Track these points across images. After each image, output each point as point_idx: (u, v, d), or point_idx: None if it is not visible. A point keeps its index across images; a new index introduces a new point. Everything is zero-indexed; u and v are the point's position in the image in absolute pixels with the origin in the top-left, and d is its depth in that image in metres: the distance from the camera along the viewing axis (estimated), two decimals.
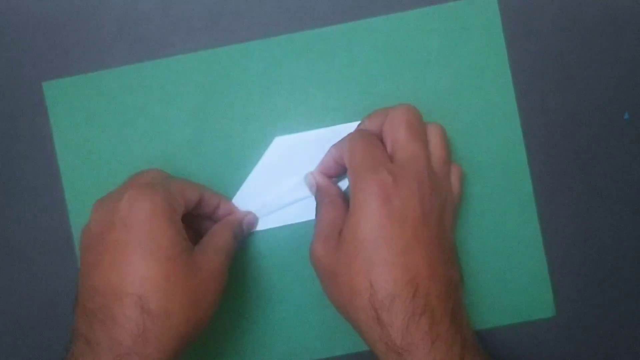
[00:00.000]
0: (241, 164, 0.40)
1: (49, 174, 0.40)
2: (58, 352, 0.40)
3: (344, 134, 0.38)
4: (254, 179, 0.39)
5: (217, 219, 0.38)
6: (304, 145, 0.39)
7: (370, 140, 0.34)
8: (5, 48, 0.40)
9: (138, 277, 0.30)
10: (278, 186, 0.39)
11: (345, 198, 0.37)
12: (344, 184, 0.39)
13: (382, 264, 0.31)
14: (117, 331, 0.29)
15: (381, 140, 0.35)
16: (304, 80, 0.40)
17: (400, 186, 0.32)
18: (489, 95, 0.40)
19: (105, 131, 0.40)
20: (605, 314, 0.40)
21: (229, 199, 0.39)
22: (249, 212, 0.39)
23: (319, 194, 0.37)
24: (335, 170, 0.38)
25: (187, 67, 0.40)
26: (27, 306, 0.40)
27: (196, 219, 0.38)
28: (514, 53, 0.40)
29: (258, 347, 0.40)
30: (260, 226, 0.39)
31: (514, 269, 0.39)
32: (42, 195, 0.40)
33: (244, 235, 0.38)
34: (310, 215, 0.39)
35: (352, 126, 0.39)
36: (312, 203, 0.38)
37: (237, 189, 0.39)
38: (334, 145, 0.37)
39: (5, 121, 0.40)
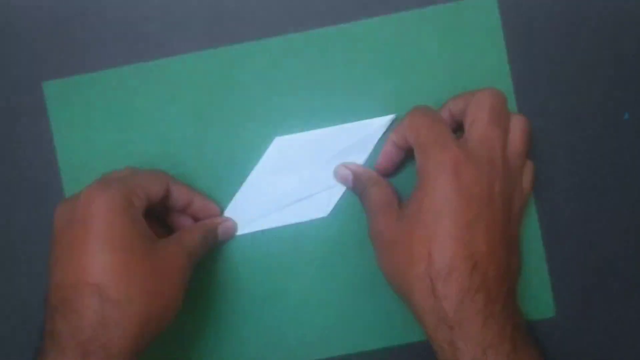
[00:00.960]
0: (241, 164, 0.40)
1: (49, 174, 0.40)
2: None
3: (345, 134, 0.38)
4: (254, 179, 0.39)
5: (193, 216, 0.38)
6: (304, 145, 0.39)
7: (433, 115, 0.35)
8: (5, 48, 0.40)
9: (96, 267, 0.30)
10: (278, 186, 0.39)
11: (389, 183, 0.37)
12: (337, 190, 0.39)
13: (443, 235, 0.31)
14: (77, 320, 0.29)
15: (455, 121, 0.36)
16: (304, 80, 0.40)
17: (471, 164, 0.32)
18: None
19: (105, 131, 0.40)
20: (605, 314, 0.40)
21: (229, 199, 0.39)
22: (228, 219, 0.39)
23: (360, 180, 0.37)
24: (397, 155, 0.38)
25: (187, 67, 0.40)
26: (27, 306, 0.40)
27: (172, 214, 0.38)
28: (514, 53, 0.40)
29: (258, 347, 0.40)
30: (261, 226, 0.39)
31: None
32: (42, 195, 0.40)
33: (216, 241, 0.38)
34: (311, 215, 0.39)
35: (352, 126, 0.39)
36: (312, 203, 0.38)
37: (237, 189, 0.39)
38: (395, 130, 0.37)
39: (5, 121, 0.40)
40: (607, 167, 0.40)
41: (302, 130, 0.40)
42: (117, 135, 0.40)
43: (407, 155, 0.38)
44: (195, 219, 0.38)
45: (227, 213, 0.39)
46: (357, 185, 0.37)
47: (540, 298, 0.39)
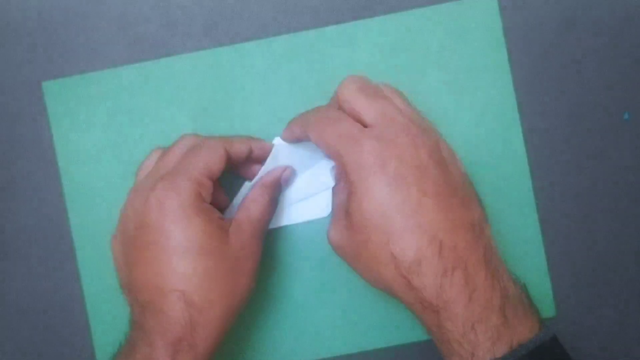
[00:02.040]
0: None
1: (49, 174, 0.40)
2: (58, 352, 0.40)
3: None
4: (253, 181, 0.39)
5: (255, 160, 0.37)
6: (304, 146, 0.39)
7: (331, 115, 0.34)
8: (5, 48, 0.40)
9: (179, 274, 0.31)
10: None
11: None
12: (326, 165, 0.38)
13: (397, 232, 0.30)
14: (168, 321, 0.31)
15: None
16: (304, 80, 0.40)
17: (389, 146, 0.31)
18: (489, 95, 0.40)
19: (105, 131, 0.40)
20: (605, 314, 0.40)
21: (229, 200, 0.39)
22: (286, 167, 0.37)
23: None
24: (298, 140, 0.37)
25: (187, 67, 0.40)
26: (27, 306, 0.40)
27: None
28: (514, 53, 0.40)
29: (259, 347, 0.40)
30: None
31: (514, 269, 0.39)
32: (42, 195, 0.40)
33: (281, 192, 0.38)
34: (311, 215, 0.39)
35: None
36: (312, 203, 0.38)
37: (237, 190, 0.39)
38: (295, 123, 0.36)
39: (5, 121, 0.40)
40: (607, 167, 0.40)
41: None
42: (117, 135, 0.40)
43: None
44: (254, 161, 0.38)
45: (227, 214, 0.39)
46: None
47: (540, 298, 0.39)
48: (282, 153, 0.39)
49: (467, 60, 0.40)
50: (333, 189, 0.37)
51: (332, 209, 0.36)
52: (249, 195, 0.35)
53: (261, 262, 0.39)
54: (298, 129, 0.36)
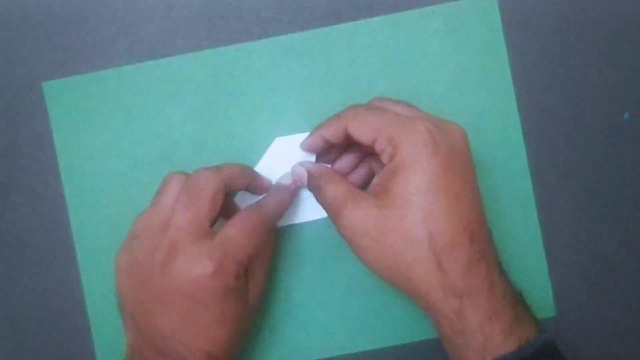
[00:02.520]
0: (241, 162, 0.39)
1: (49, 174, 0.40)
2: (58, 352, 0.40)
3: None
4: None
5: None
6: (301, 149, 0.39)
7: (379, 109, 0.34)
8: (5, 48, 0.40)
9: (209, 339, 0.33)
10: None
11: (341, 175, 0.37)
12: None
13: (439, 212, 0.31)
14: None
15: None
16: (304, 80, 0.40)
17: (442, 132, 0.32)
18: (489, 95, 0.40)
19: (105, 131, 0.40)
20: (605, 314, 0.40)
21: (239, 208, 0.39)
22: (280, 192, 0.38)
23: (313, 178, 0.36)
24: (322, 148, 0.37)
25: (187, 67, 0.40)
26: (27, 306, 0.40)
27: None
28: (514, 53, 0.40)
29: (259, 347, 0.40)
30: None
31: (514, 269, 0.39)
32: (42, 195, 0.40)
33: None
34: (311, 215, 0.39)
35: None
36: (312, 203, 0.38)
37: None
38: (326, 126, 0.36)
39: (5, 121, 0.40)
40: (607, 167, 0.40)
41: (302, 130, 0.39)
42: (117, 135, 0.40)
43: (329, 149, 0.37)
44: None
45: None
46: (311, 184, 0.37)
47: (540, 298, 0.39)
48: (281, 151, 0.39)
49: (467, 60, 0.40)
50: (320, 183, 0.36)
51: (336, 194, 0.35)
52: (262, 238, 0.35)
53: None
54: (333, 125, 0.35)
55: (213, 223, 0.34)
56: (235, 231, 0.33)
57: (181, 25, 0.40)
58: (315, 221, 0.39)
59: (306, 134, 0.39)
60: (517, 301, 0.32)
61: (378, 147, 0.33)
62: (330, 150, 0.38)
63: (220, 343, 0.33)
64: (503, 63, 0.40)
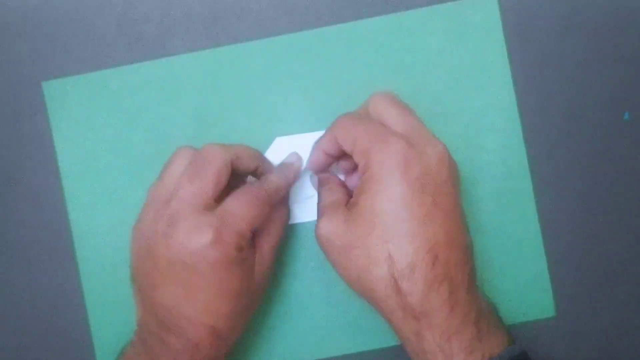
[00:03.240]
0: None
1: (49, 174, 0.40)
2: (58, 351, 0.40)
3: None
4: (254, 179, 0.39)
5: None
6: (305, 146, 0.39)
7: (363, 118, 0.34)
8: (5, 48, 0.40)
9: (212, 312, 0.33)
10: None
11: (343, 184, 0.37)
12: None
13: (402, 234, 0.31)
14: (195, 349, 0.33)
15: None
16: (304, 80, 0.40)
17: (416, 152, 0.32)
18: (489, 95, 0.40)
19: (105, 131, 0.40)
20: (605, 314, 0.40)
21: None
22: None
23: (319, 183, 0.37)
24: (326, 162, 0.37)
25: (187, 67, 0.40)
26: (27, 306, 0.40)
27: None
28: (514, 53, 0.40)
29: (259, 347, 0.40)
30: None
31: (514, 269, 0.39)
32: (42, 195, 0.40)
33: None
34: (311, 216, 0.39)
35: None
36: (312, 204, 0.38)
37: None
38: (323, 139, 0.36)
39: (5, 121, 0.40)
40: (607, 167, 0.40)
41: (302, 130, 0.40)
42: (117, 135, 0.40)
43: (336, 160, 0.37)
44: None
45: None
46: (317, 189, 0.37)
47: (540, 298, 0.39)
48: (281, 151, 0.39)
49: (467, 60, 0.40)
50: (320, 189, 0.37)
51: (325, 203, 0.36)
52: (272, 217, 0.36)
53: None
54: (327, 136, 0.36)
55: (217, 198, 0.33)
56: (235, 203, 0.33)
57: (181, 25, 0.40)
58: (314, 222, 0.39)
59: (306, 134, 0.39)
60: (482, 317, 0.32)
61: (355, 158, 0.34)
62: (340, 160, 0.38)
63: (223, 317, 0.33)
64: (503, 63, 0.40)
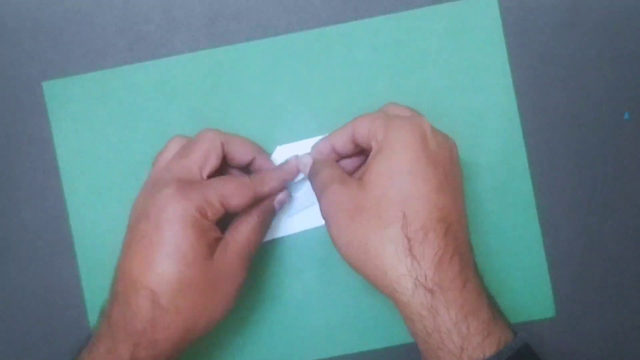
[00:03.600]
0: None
1: (49, 174, 0.40)
2: (57, 351, 0.40)
3: None
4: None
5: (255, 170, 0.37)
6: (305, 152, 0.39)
7: (383, 113, 0.35)
8: (5, 48, 0.40)
9: (155, 274, 0.32)
10: None
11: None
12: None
13: (417, 196, 0.31)
14: (131, 315, 0.32)
15: None
16: (304, 80, 0.40)
17: (436, 134, 0.33)
18: (489, 95, 0.40)
19: (105, 131, 0.40)
20: (605, 314, 0.40)
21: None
22: (282, 190, 0.37)
23: (315, 165, 0.36)
24: (329, 156, 0.37)
25: (187, 67, 0.40)
26: (27, 306, 0.40)
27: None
28: (514, 53, 0.40)
29: (259, 347, 0.40)
30: (267, 237, 0.39)
31: (514, 269, 0.39)
32: (42, 195, 0.40)
33: (274, 215, 0.38)
34: (312, 224, 0.39)
35: None
36: (313, 212, 0.38)
37: None
38: (336, 135, 0.36)
39: (5, 121, 0.40)
40: (607, 167, 0.40)
41: (301, 129, 0.39)
42: (117, 135, 0.40)
43: (339, 159, 0.37)
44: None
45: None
46: (312, 170, 0.36)
47: (540, 298, 0.39)
48: (283, 158, 0.39)
49: (467, 60, 0.40)
50: (320, 166, 0.36)
51: (330, 175, 0.35)
52: (240, 215, 0.36)
53: (261, 262, 0.39)
54: (342, 132, 0.36)
55: (203, 176, 0.34)
56: (216, 178, 0.34)
57: (181, 25, 0.40)
58: (317, 228, 0.39)
59: (306, 141, 0.39)
60: (493, 302, 0.31)
61: (370, 140, 0.34)
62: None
63: (166, 282, 0.31)
64: (503, 63, 0.40)
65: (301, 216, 0.39)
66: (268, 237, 0.39)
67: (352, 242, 0.32)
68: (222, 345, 0.40)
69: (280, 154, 0.39)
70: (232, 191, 0.34)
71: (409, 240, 0.30)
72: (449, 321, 0.29)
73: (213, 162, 0.35)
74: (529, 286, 0.39)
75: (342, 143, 0.36)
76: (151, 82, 0.40)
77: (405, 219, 0.30)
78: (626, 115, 0.40)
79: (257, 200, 0.35)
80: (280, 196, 0.37)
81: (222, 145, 0.35)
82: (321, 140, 0.37)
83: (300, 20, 0.40)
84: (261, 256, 0.39)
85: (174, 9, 0.40)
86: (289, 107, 0.40)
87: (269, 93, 0.40)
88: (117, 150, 0.40)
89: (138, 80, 0.40)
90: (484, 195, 0.39)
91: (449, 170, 0.33)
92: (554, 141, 0.40)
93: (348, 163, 0.37)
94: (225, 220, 0.35)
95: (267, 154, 0.38)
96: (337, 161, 0.37)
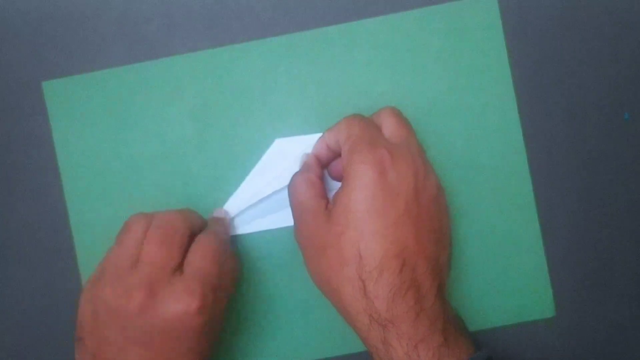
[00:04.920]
0: (241, 164, 0.40)
1: (49, 174, 0.40)
2: (58, 352, 0.40)
3: None
4: (252, 179, 0.39)
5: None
6: (305, 148, 0.39)
7: (367, 120, 0.35)
8: (5, 48, 0.40)
9: None
10: (277, 187, 0.39)
11: (323, 179, 0.37)
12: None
13: (372, 234, 0.31)
14: None
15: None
16: (304, 80, 0.40)
17: (396, 162, 0.33)
18: (489, 95, 0.40)
19: (105, 131, 0.40)
20: (605, 314, 0.40)
21: (228, 199, 0.39)
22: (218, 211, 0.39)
23: (294, 183, 0.36)
24: (326, 157, 0.37)
25: (187, 67, 0.40)
26: (27, 306, 0.40)
27: None
28: (514, 53, 0.40)
29: (258, 347, 0.40)
30: (259, 227, 0.39)
31: (514, 269, 0.39)
32: (42, 195, 0.40)
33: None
34: None
35: None
36: None
37: (236, 190, 0.39)
38: (329, 130, 0.36)
39: (5, 121, 0.40)
40: (607, 167, 0.40)
41: (301, 130, 0.40)
42: (117, 135, 0.40)
43: (333, 159, 0.37)
44: None
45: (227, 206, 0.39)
46: (290, 189, 0.36)
47: (540, 298, 0.39)
48: (281, 153, 0.39)
49: (467, 60, 0.40)
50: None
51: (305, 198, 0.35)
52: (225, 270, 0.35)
53: (261, 262, 0.39)
54: (330, 132, 0.36)
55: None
56: (200, 259, 0.33)
57: (181, 25, 0.40)
58: None
59: (306, 136, 0.39)
60: (449, 324, 0.32)
61: (342, 155, 0.34)
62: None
63: None
64: (503, 63, 0.40)
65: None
66: (269, 227, 0.39)
67: (319, 275, 0.34)
68: (222, 345, 0.40)
69: (279, 147, 0.39)
70: (217, 262, 0.34)
71: (363, 281, 0.31)
72: (401, 351, 0.31)
73: (187, 248, 0.34)
74: (529, 286, 0.39)
75: (333, 143, 0.36)
76: (151, 82, 0.40)
77: (360, 260, 0.31)
78: (626, 116, 0.40)
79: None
80: (215, 212, 0.39)
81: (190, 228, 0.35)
82: (318, 141, 0.37)
83: (300, 20, 0.40)
84: (261, 255, 0.40)
85: (174, 9, 0.40)
86: (289, 107, 0.40)
87: (269, 93, 0.40)
88: (117, 150, 0.40)
89: (138, 80, 0.40)
90: (484, 195, 0.40)
91: (411, 200, 0.32)
92: (554, 141, 0.40)
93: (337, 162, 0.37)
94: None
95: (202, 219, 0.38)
96: (328, 164, 0.37)
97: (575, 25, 0.40)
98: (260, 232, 0.39)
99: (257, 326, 0.39)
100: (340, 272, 0.32)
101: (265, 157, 0.39)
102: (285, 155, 0.39)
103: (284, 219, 0.39)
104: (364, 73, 0.40)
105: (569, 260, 0.40)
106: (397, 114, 0.36)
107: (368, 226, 0.31)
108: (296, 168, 0.39)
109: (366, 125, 0.34)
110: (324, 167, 0.38)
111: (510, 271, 0.39)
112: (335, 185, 0.38)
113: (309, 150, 0.38)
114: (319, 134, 0.39)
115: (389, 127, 0.35)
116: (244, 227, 0.39)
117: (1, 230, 0.40)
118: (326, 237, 0.33)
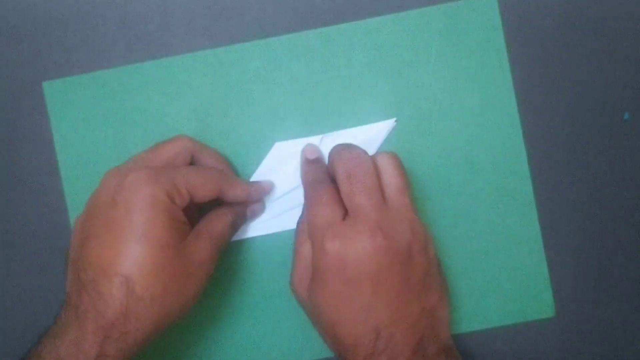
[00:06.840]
0: (241, 165, 0.40)
1: (49, 174, 0.40)
2: None
3: (345, 139, 0.38)
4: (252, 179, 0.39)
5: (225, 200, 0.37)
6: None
7: (325, 194, 0.34)
8: (5, 48, 0.40)
9: (128, 259, 0.31)
10: (278, 191, 0.39)
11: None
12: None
13: (343, 322, 0.33)
14: (102, 305, 0.31)
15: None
16: (304, 81, 0.40)
17: (351, 248, 0.32)
18: (489, 95, 0.40)
19: (105, 131, 0.40)
20: (605, 314, 0.40)
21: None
22: (257, 202, 0.39)
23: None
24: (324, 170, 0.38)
25: (187, 67, 0.40)
26: (27, 306, 0.40)
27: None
28: (514, 53, 0.40)
29: (259, 347, 0.40)
30: (260, 231, 0.39)
31: (514, 269, 0.39)
32: (42, 195, 0.40)
33: (244, 222, 0.39)
34: None
35: (352, 131, 0.39)
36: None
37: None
38: (330, 160, 0.36)
39: (5, 121, 0.40)
40: (607, 167, 0.40)
41: (300, 129, 0.39)
42: (117, 135, 0.40)
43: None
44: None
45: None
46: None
47: (540, 298, 0.39)
48: (281, 156, 0.39)
49: (467, 60, 0.40)
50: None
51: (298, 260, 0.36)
52: (215, 210, 0.36)
53: (261, 263, 0.39)
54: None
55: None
56: (186, 167, 0.35)
57: (181, 25, 0.40)
58: None
59: (306, 139, 0.39)
60: None
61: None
62: None
63: (139, 267, 0.31)
64: (503, 63, 0.40)
65: (299, 211, 0.39)
66: (270, 231, 0.39)
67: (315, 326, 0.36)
68: (221, 345, 0.40)
69: (279, 150, 0.39)
70: (200, 181, 0.34)
71: (340, 353, 0.33)
72: None
73: (182, 161, 0.35)
74: (529, 286, 0.39)
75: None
76: (151, 82, 0.40)
77: (336, 339, 0.33)
78: (626, 116, 0.40)
79: (221, 200, 0.36)
80: (255, 206, 0.38)
81: (193, 152, 0.36)
82: (308, 150, 0.38)
83: (300, 20, 0.40)
84: (261, 255, 0.40)
85: (174, 9, 0.40)
86: (288, 107, 0.40)
87: (269, 93, 0.40)
88: (117, 150, 0.40)
89: (138, 80, 0.40)
90: (484, 195, 0.39)
91: (377, 278, 0.32)
92: (554, 141, 0.40)
93: None
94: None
95: (259, 184, 0.38)
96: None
97: (575, 25, 0.40)
98: (259, 236, 0.39)
99: (257, 326, 0.39)
100: (325, 340, 0.35)
101: (265, 161, 0.39)
102: (286, 159, 0.39)
103: (284, 222, 0.39)
104: (364, 73, 0.40)
105: (569, 261, 0.40)
106: (348, 173, 0.34)
107: (337, 316, 0.33)
108: (296, 173, 0.38)
109: (321, 205, 0.34)
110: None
111: (510, 271, 0.39)
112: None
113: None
114: (319, 136, 0.39)
115: (342, 193, 0.34)
116: (244, 232, 0.39)
117: (1, 230, 0.40)
118: (308, 307, 0.35)
